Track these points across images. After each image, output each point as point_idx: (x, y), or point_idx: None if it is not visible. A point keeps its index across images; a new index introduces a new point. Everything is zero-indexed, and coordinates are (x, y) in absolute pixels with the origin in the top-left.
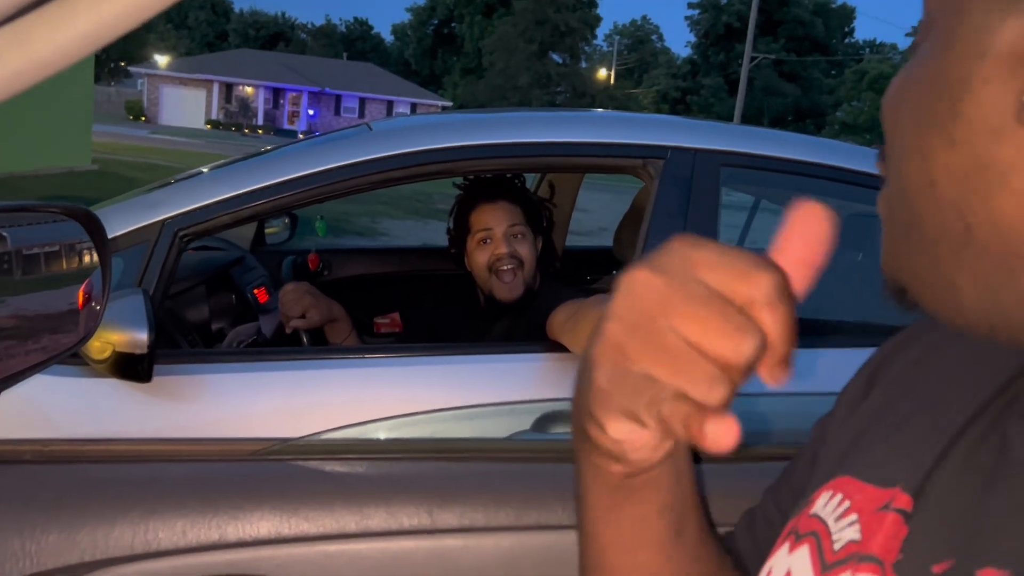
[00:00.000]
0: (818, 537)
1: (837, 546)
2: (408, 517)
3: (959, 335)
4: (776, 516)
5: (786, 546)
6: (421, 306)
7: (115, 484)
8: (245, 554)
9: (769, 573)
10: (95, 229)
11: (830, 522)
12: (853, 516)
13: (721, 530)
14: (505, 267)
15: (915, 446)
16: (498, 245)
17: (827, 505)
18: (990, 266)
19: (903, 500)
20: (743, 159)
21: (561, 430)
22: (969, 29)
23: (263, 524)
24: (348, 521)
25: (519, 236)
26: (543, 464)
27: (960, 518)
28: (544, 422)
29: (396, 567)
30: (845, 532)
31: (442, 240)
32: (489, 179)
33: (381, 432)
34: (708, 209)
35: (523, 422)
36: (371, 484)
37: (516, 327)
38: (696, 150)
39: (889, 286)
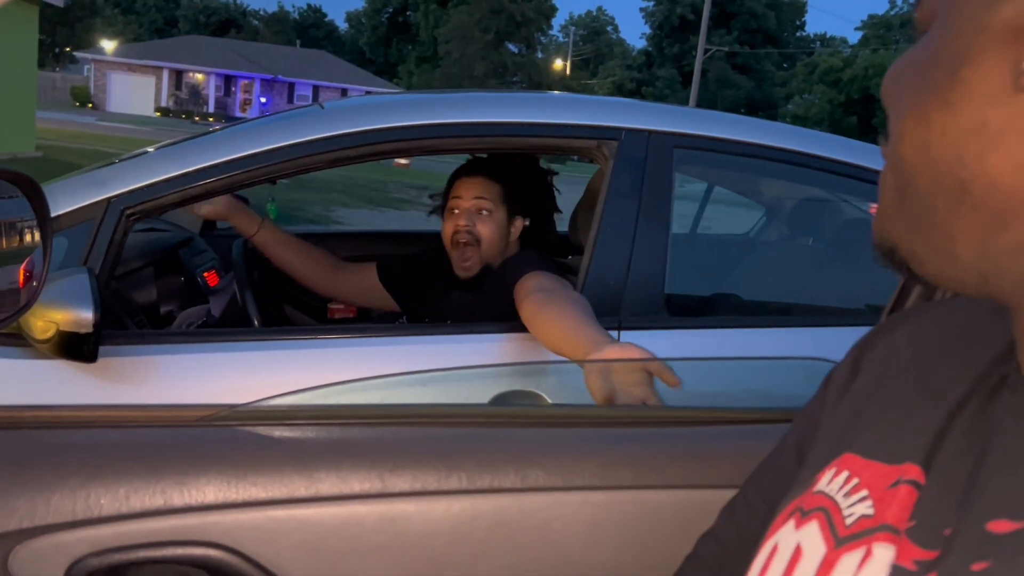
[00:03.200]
0: (827, 512)
1: (849, 520)
2: (359, 482)
3: (945, 318)
4: (759, 503)
5: (791, 523)
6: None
7: (54, 450)
8: (192, 519)
9: (775, 549)
10: (35, 195)
11: (839, 498)
12: (864, 492)
13: (732, 491)
14: (461, 240)
15: (917, 420)
16: (459, 217)
17: (832, 482)
18: (983, 218)
19: (915, 472)
20: (697, 141)
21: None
22: (971, 9)
23: (209, 489)
24: (298, 486)
25: (483, 212)
26: (495, 428)
27: (963, 483)
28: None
29: (347, 531)
30: (856, 507)
31: (398, 227)
32: (486, 156)
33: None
34: (662, 190)
35: (480, 389)
36: (321, 449)
37: (475, 300)
38: (650, 132)
39: (880, 247)
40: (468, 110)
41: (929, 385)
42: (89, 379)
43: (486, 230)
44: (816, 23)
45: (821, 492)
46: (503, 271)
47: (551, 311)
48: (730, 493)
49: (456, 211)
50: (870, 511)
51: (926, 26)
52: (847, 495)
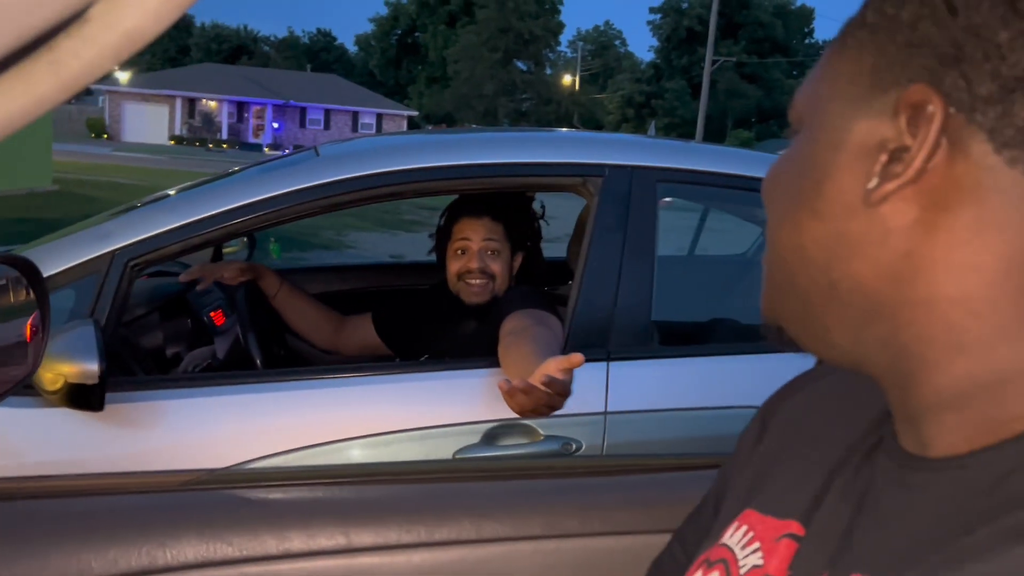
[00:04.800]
0: (727, 564)
1: (743, 570)
2: (326, 538)
3: (836, 385)
4: (681, 555)
5: (699, 572)
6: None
7: (49, 518)
8: None
9: None
10: (32, 274)
11: (736, 550)
12: (756, 544)
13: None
14: (475, 280)
15: (804, 480)
16: (471, 259)
17: (734, 535)
18: (852, 314)
19: (795, 527)
20: (679, 175)
21: (475, 451)
22: (830, 127)
23: (189, 550)
24: (270, 544)
25: (493, 252)
26: (452, 484)
27: (836, 537)
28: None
29: None
30: (749, 558)
31: (409, 253)
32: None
33: (328, 452)
34: (646, 223)
35: (463, 441)
36: (291, 508)
37: (480, 330)
38: (633, 167)
39: (769, 327)
40: (457, 153)
41: (817, 446)
42: (98, 426)
43: (497, 267)
44: (825, 30)
45: (724, 544)
46: (502, 306)
47: (511, 353)
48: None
49: (465, 252)
50: (760, 561)
51: (797, 127)
52: (743, 547)
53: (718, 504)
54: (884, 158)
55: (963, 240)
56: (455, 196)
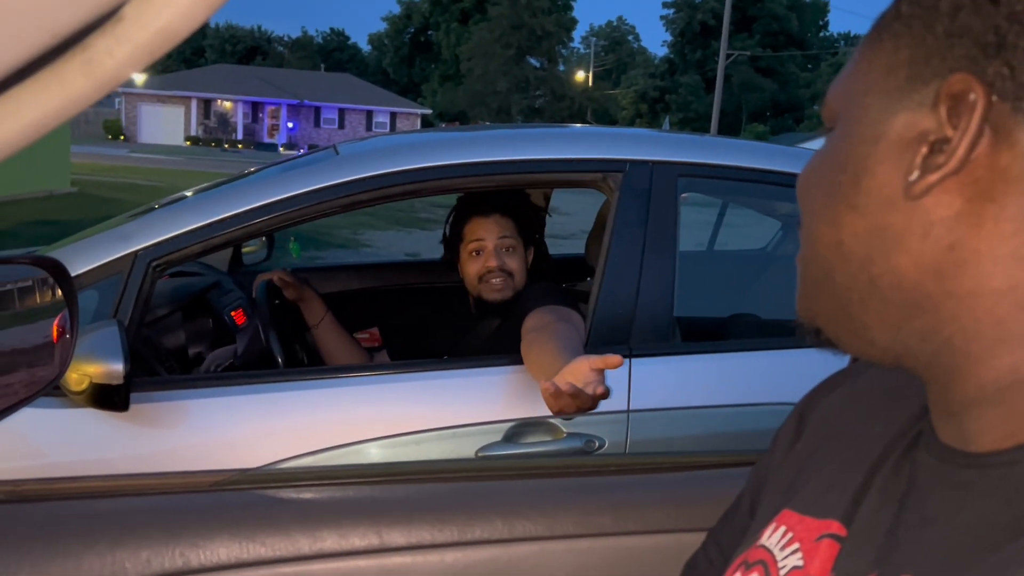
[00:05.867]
0: (766, 565)
1: (782, 572)
2: (359, 538)
3: (873, 381)
4: (717, 556)
5: (738, 574)
6: (402, 319)
7: (83, 518)
8: None
9: None
10: (60, 275)
11: (776, 551)
12: (796, 545)
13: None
14: (496, 279)
15: (843, 479)
16: (489, 258)
17: (772, 536)
18: (893, 310)
19: (836, 527)
20: (700, 169)
21: (503, 449)
22: (868, 121)
23: (222, 550)
24: (303, 544)
25: (509, 249)
26: (484, 482)
27: (880, 537)
28: (507, 436)
29: None
30: (789, 560)
31: (424, 251)
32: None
33: (351, 453)
34: (667, 218)
35: (485, 439)
36: (323, 508)
37: (503, 328)
38: (654, 162)
39: (806, 328)
40: (477, 150)
41: (856, 444)
42: (122, 426)
43: (515, 264)
44: (839, 22)
45: (763, 546)
46: (523, 303)
47: (535, 349)
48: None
49: (481, 252)
50: (800, 563)
51: (831, 123)
52: (782, 548)
53: (753, 503)
54: (925, 150)
55: (1010, 231)
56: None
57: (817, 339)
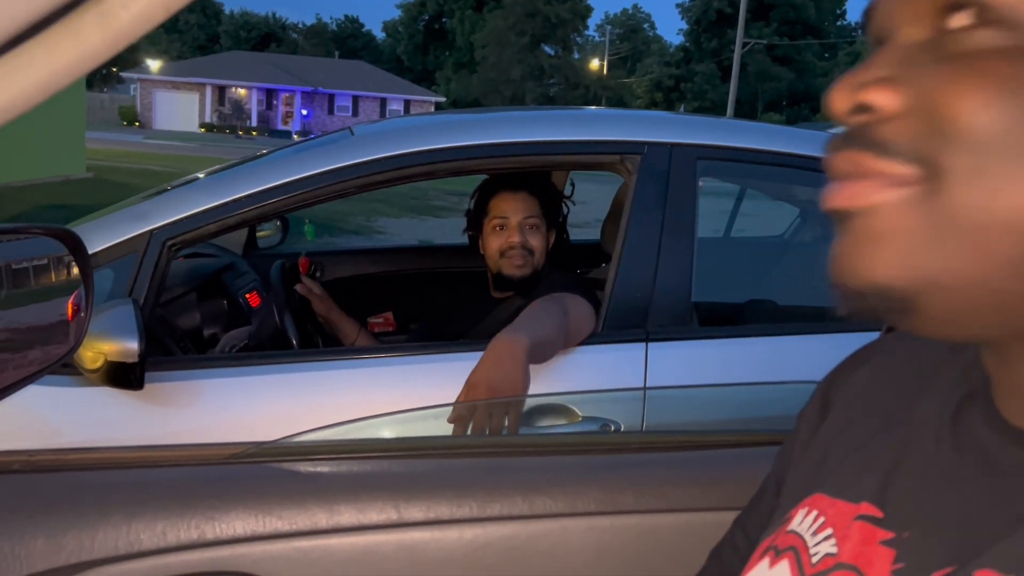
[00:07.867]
0: (796, 552)
1: (815, 559)
2: (376, 512)
3: (907, 355)
4: (743, 542)
5: (765, 561)
6: (417, 303)
7: (98, 489)
8: (223, 552)
9: None
10: (76, 247)
11: (807, 537)
12: (828, 531)
13: (734, 512)
14: (516, 255)
15: (876, 458)
16: (512, 234)
17: (803, 522)
18: None
19: (870, 509)
20: (719, 152)
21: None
22: None
23: (238, 523)
24: (320, 518)
25: (533, 228)
26: (503, 459)
27: (947, 523)
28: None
29: (366, 559)
30: (821, 546)
31: (437, 238)
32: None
33: (366, 431)
34: (686, 202)
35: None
36: (341, 482)
37: (522, 307)
38: (672, 144)
39: (867, 291)
40: (493, 131)
41: (889, 423)
42: (137, 404)
43: (537, 242)
44: (857, 10)
45: (793, 531)
46: (543, 289)
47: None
48: (731, 515)
49: (504, 227)
50: (833, 549)
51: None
52: (814, 534)
53: (779, 486)
54: None
55: None
56: (484, 177)
57: (865, 305)
